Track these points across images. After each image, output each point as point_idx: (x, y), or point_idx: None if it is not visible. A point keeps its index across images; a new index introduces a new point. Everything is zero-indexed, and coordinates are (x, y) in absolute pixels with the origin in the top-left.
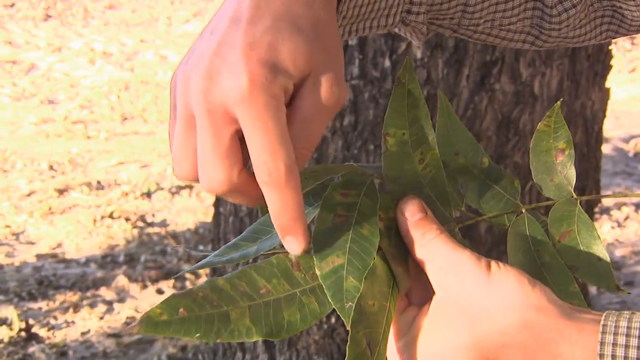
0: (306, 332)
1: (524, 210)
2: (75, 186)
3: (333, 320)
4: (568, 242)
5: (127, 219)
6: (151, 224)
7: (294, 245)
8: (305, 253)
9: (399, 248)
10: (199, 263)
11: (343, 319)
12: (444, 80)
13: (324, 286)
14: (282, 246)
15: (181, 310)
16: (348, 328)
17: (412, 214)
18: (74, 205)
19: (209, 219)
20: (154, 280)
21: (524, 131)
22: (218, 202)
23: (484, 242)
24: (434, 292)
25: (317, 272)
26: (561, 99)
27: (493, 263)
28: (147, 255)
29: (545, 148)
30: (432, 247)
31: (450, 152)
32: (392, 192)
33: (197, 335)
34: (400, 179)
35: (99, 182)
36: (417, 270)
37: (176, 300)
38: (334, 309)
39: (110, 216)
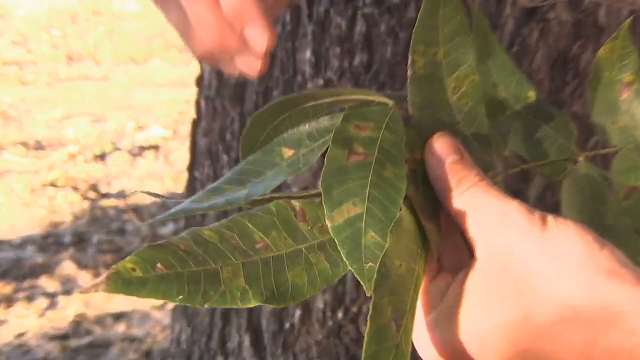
0: (306, 331)
1: (581, 159)
2: (7, 146)
3: (340, 315)
4: (636, 199)
5: (75, 189)
6: (106, 195)
7: (257, 37)
8: (312, 198)
9: (428, 198)
10: (172, 210)
11: (362, 284)
12: (483, 7)
13: (337, 242)
14: (281, 189)
15: (159, 265)
16: (369, 294)
17: (445, 155)
18: (6, 170)
19: (180, 188)
20: (110, 267)
21: (586, 73)
22: (193, 166)
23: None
24: (472, 255)
25: (328, 224)
26: (632, 17)
27: (550, 217)
28: (101, 235)
29: (608, 81)
30: (470, 197)
31: (488, 82)
32: (419, 127)
33: (180, 297)
34: (429, 111)
35: (38, 142)
36: (450, 228)
37: (152, 253)
38: (349, 271)
39: (54, 185)
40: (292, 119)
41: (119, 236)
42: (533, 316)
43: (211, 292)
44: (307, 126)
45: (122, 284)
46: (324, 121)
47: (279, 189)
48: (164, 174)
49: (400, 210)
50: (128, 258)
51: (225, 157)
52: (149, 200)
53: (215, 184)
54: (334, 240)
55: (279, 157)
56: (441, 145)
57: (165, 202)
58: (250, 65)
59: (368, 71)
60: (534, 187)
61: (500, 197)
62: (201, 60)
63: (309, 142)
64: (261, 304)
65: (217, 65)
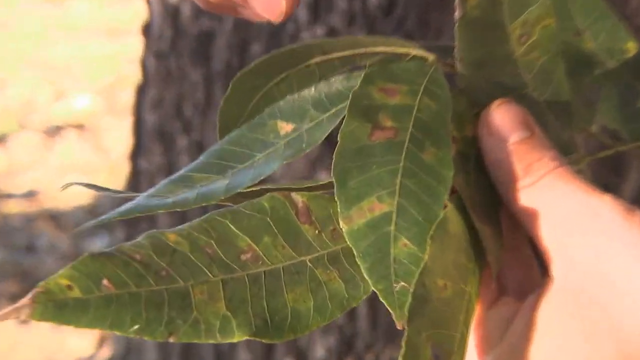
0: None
1: None
2: None
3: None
4: None
5: None
6: (9, 196)
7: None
8: (321, 191)
9: (484, 192)
10: (123, 208)
11: (391, 312)
12: None
13: (355, 252)
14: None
15: (105, 282)
16: (400, 326)
17: (507, 130)
18: None
19: (118, 183)
20: (15, 298)
21: None
22: (137, 152)
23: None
24: (546, 272)
25: (343, 227)
26: None
27: None
28: (1, 252)
29: None
30: (544, 190)
31: (568, 29)
32: (471, 91)
33: (136, 327)
34: (485, 70)
35: None
36: (515, 234)
37: (95, 266)
38: (373, 294)
39: None
40: (291, 81)
41: (27, 254)
42: (631, 359)
43: (178, 321)
44: (313, 90)
45: (54, 308)
46: (337, 83)
47: (264, 182)
48: (94, 163)
49: (445, 208)
50: (62, 272)
51: (183, 140)
52: (73, 202)
53: (181, 172)
54: (351, 249)
55: (272, 134)
56: (502, 117)
57: (95, 205)
58: (270, 3)
59: (388, 15)
60: (631, 179)
61: (586, 189)
62: (208, 7)
63: (316, 112)
64: (248, 338)
65: (227, 11)
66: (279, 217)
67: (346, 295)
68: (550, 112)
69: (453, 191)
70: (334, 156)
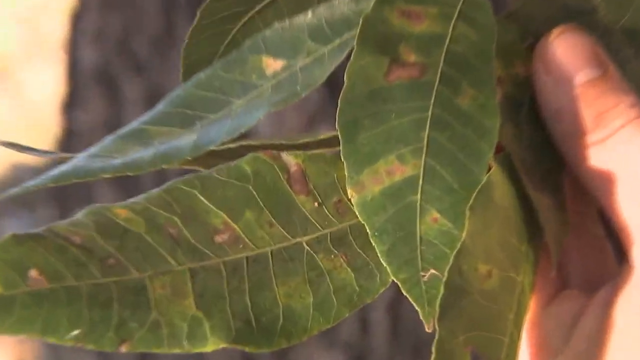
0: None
1: None
2: None
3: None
4: None
5: None
6: None
7: None
8: (321, 148)
9: (540, 150)
10: (56, 171)
11: (417, 308)
12: None
13: (368, 230)
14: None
15: (33, 273)
16: (429, 327)
17: (572, 68)
18: None
19: (44, 142)
20: None
21: None
22: (71, 102)
23: None
24: (625, 258)
25: (352, 197)
26: None
27: None
28: None
29: None
30: (622, 147)
31: None
32: (523, 16)
33: (75, 333)
34: None
35: None
36: (582, 205)
37: (20, 251)
38: (393, 285)
39: None
40: (280, 6)
41: None
42: None
43: (132, 324)
44: (310, 16)
45: None
46: (342, 5)
47: (245, 138)
48: (13, 117)
49: (489, 170)
50: None
51: (134, 86)
52: None
53: (133, 125)
54: (362, 227)
55: (256, 74)
56: (565, 51)
57: (15, 175)
58: None
59: None
60: None
61: None
62: None
63: (314, 44)
64: (226, 346)
65: None
66: (265, 184)
67: (356, 289)
68: (627, 44)
69: (499, 148)
70: (339, 102)
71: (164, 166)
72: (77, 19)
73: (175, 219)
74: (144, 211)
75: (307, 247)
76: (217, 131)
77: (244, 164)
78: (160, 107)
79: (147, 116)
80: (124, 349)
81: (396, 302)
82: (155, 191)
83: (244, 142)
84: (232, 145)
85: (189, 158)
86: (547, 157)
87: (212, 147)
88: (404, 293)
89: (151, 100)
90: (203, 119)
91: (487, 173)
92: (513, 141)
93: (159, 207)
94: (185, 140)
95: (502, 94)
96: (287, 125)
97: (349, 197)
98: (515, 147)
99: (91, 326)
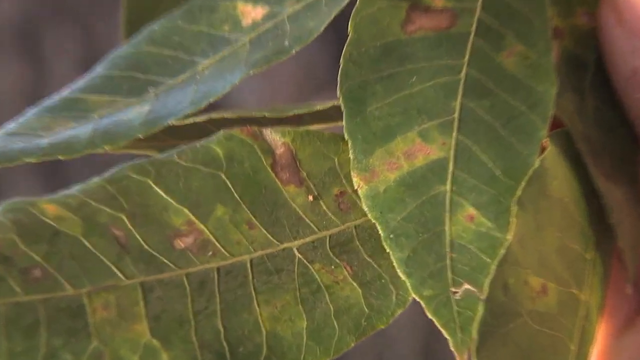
0: None
1: None
2: None
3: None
4: None
5: None
6: None
7: None
8: (317, 123)
9: (610, 126)
10: None
11: (446, 336)
12: None
13: (381, 232)
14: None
15: None
16: (460, 358)
17: None
18: None
19: None
20: None
21: None
22: None
23: None
24: None
25: (359, 188)
26: None
27: None
28: None
29: None
30: None
31: None
32: None
33: None
34: None
35: None
36: None
37: None
38: (415, 307)
39: None
40: None
41: None
42: None
43: (66, 356)
44: None
45: None
46: None
47: (216, 109)
48: None
49: (543, 152)
50: None
51: (63, 42)
52: None
53: (64, 93)
54: (372, 228)
55: (229, 24)
56: None
57: None
58: None
59: None
60: None
61: None
62: None
63: None
64: None
65: None
66: (243, 172)
67: (365, 310)
68: None
69: (555, 124)
70: (341, 61)
71: (106, 148)
72: None
73: (123, 217)
74: (81, 207)
75: (299, 255)
76: (177, 101)
77: (215, 144)
78: (99, 69)
79: (82, 82)
80: None
81: (420, 327)
82: (95, 181)
83: (214, 115)
84: (197, 120)
85: (140, 137)
86: (619, 136)
87: (171, 122)
88: (429, 315)
89: (87, 61)
90: (158, 84)
91: (539, 156)
92: (574, 114)
93: (101, 202)
94: (135, 113)
95: (560, 51)
96: (285, 97)
97: (355, 188)
98: (577, 123)
99: (10, 358)
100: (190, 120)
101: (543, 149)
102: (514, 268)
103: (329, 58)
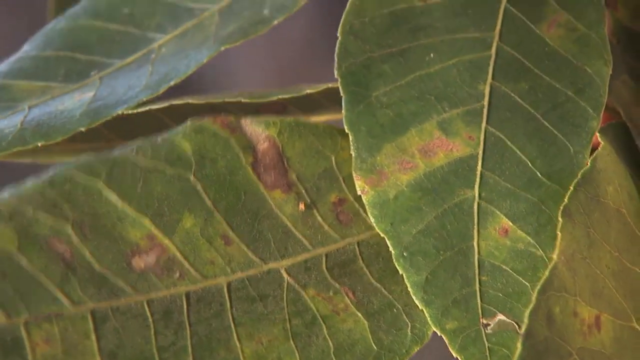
0: None
1: None
2: None
3: None
4: None
5: None
6: None
7: None
8: (310, 113)
9: None
10: None
11: None
12: None
13: (392, 249)
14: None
15: None
16: None
17: None
18: None
19: None
20: None
21: None
22: None
23: None
24: None
25: (363, 194)
26: None
27: None
28: None
29: None
30: None
31: None
32: None
33: None
34: None
35: None
36: None
37: None
38: (436, 340)
39: None
40: None
41: None
42: None
43: None
44: None
45: None
46: None
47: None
48: None
49: (594, 151)
50: None
51: None
52: None
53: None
54: (380, 244)
55: None
56: None
57: None
58: None
59: None
60: None
61: None
62: None
63: None
64: None
65: None
66: (217, 173)
67: (373, 347)
68: None
69: (608, 115)
70: (338, 34)
71: (39, 144)
72: None
73: (67, 229)
74: (14, 216)
75: (288, 278)
76: (127, 86)
77: (181, 138)
78: (28, 48)
79: (6, 65)
80: None
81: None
82: (30, 184)
83: (175, 102)
84: (155, 107)
85: (82, 130)
86: None
87: (122, 111)
88: (454, 353)
89: (16, 39)
90: (103, 67)
91: (590, 153)
92: (632, 102)
93: (39, 210)
94: (74, 101)
95: (612, 25)
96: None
97: (358, 194)
98: (637, 114)
99: None
100: (146, 108)
101: (595, 146)
102: (560, 295)
103: (310, 18)
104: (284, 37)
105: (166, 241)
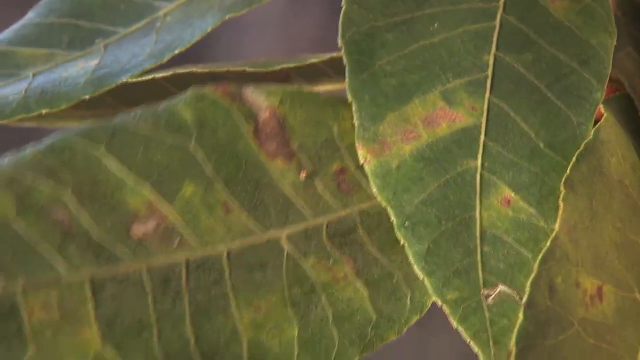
0: None
1: None
2: None
3: None
4: None
5: None
6: None
7: None
8: (313, 82)
9: None
10: None
11: (476, 350)
12: None
13: (393, 219)
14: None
15: None
16: None
17: None
18: None
19: None
20: None
21: None
22: None
23: None
24: None
25: (365, 163)
26: None
27: None
28: None
29: None
30: None
31: None
32: None
33: None
34: None
35: None
36: None
37: None
38: (434, 314)
39: None
40: None
41: None
42: None
43: None
44: None
45: None
46: None
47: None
48: None
49: (597, 122)
50: None
51: None
52: None
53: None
54: (380, 213)
55: None
56: None
57: None
58: None
59: None
60: None
61: None
62: None
63: None
64: None
65: None
66: (217, 141)
67: (372, 316)
68: None
69: (612, 87)
70: (342, 3)
71: (43, 112)
72: None
73: (66, 196)
74: (12, 183)
75: (288, 246)
76: (132, 54)
77: (182, 107)
78: (32, 15)
79: (10, 31)
80: None
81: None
82: (30, 150)
83: (179, 70)
84: (158, 76)
85: (86, 97)
86: None
87: (126, 79)
88: (454, 324)
89: (20, 4)
90: (108, 34)
91: (594, 125)
92: (636, 74)
93: (38, 177)
94: (79, 69)
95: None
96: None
97: (360, 164)
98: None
99: None
100: (150, 77)
101: (598, 118)
102: (562, 265)
103: None
104: (298, 26)
105: (166, 209)
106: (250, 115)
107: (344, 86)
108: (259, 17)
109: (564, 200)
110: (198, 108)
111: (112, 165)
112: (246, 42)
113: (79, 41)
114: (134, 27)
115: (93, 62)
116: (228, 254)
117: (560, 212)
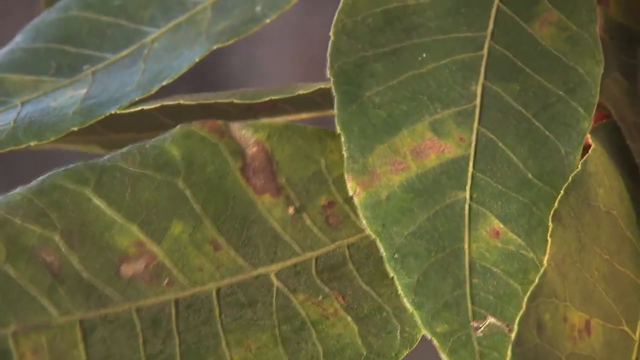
0: None
1: None
2: None
3: None
4: None
5: None
6: None
7: None
8: (301, 112)
9: None
10: None
11: None
12: None
13: (383, 252)
14: None
15: None
16: None
17: None
18: None
19: None
20: None
21: None
22: None
23: None
24: None
25: (355, 195)
26: None
27: None
28: None
29: None
30: None
31: None
32: None
33: None
34: None
35: None
36: None
37: None
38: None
39: None
40: None
41: None
42: None
43: None
44: None
45: None
46: None
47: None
48: None
49: (585, 152)
50: None
51: None
52: None
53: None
54: (370, 247)
55: None
56: None
57: None
58: None
59: None
60: None
61: None
62: None
63: None
64: None
65: None
66: (206, 178)
67: (363, 351)
68: None
69: (600, 114)
70: (331, 33)
71: (32, 144)
72: None
73: (55, 238)
74: (3, 226)
75: (278, 283)
76: (120, 83)
77: (170, 144)
78: (19, 40)
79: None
80: None
81: None
82: (19, 192)
83: (167, 102)
84: (147, 108)
85: (74, 129)
86: None
87: (114, 111)
88: (444, 358)
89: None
90: (96, 61)
91: (582, 155)
92: (622, 101)
93: (27, 220)
94: (67, 98)
95: (604, 22)
96: (314, 74)
97: (349, 196)
98: (627, 111)
99: None
100: (138, 108)
101: (586, 145)
102: (550, 301)
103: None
104: (310, 32)
105: (155, 248)
106: (238, 150)
107: (332, 113)
108: (274, 20)
109: (552, 234)
110: (186, 145)
111: (101, 205)
112: (258, 48)
113: (66, 67)
114: (121, 54)
115: (82, 91)
116: (217, 292)
117: (548, 246)
